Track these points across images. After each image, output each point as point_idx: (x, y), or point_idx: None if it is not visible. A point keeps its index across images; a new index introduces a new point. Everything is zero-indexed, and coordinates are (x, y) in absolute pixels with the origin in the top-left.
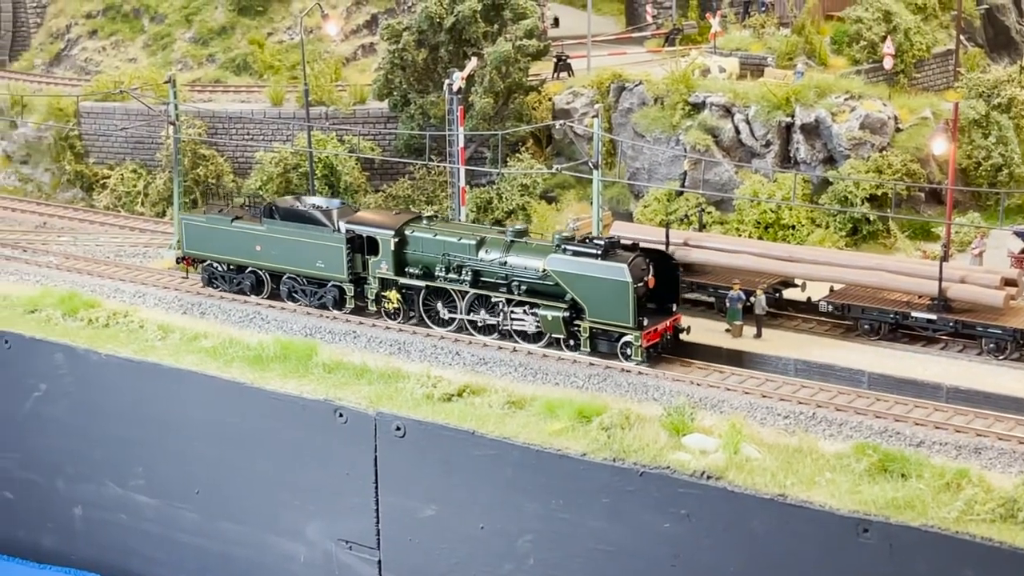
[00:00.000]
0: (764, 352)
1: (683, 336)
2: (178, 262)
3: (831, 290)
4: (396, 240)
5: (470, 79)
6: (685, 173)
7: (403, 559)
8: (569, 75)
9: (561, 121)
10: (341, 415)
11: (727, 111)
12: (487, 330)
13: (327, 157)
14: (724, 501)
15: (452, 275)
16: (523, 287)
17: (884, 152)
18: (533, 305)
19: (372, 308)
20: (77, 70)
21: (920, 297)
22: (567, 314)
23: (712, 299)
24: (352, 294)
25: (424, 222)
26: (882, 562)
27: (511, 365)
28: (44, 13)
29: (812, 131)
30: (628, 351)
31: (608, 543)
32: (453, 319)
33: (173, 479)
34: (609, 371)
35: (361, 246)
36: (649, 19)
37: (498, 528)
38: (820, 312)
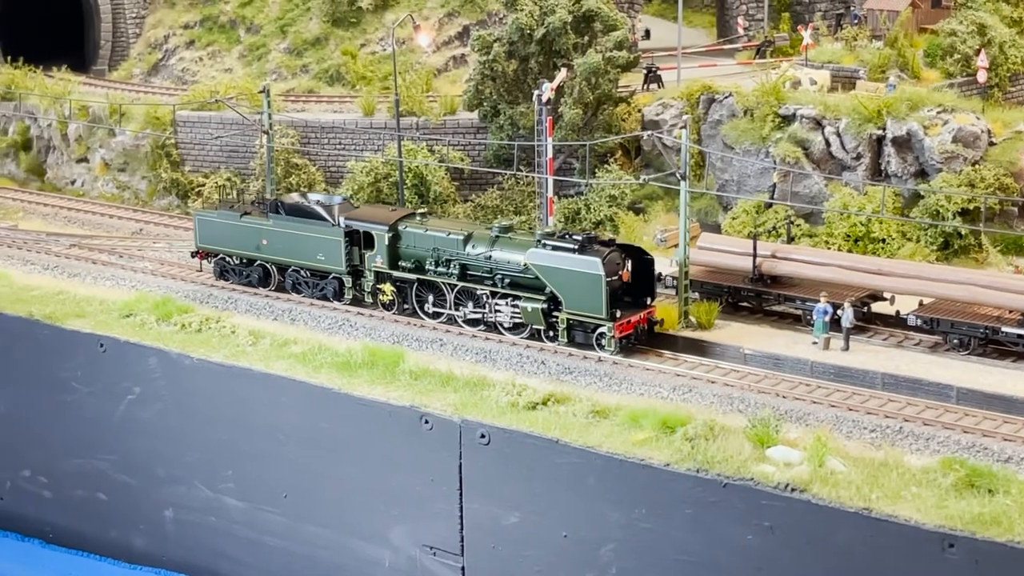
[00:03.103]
0: (851, 365)
1: (656, 328)
2: (193, 256)
3: (920, 304)
4: (390, 235)
5: (560, 90)
6: (774, 185)
7: (486, 566)
8: (659, 87)
9: (650, 132)
10: (427, 422)
11: (818, 123)
12: (472, 322)
13: (417, 167)
14: (808, 514)
15: (441, 268)
16: (506, 280)
17: (977, 166)
18: (515, 297)
19: (368, 300)
20: (174, 80)
21: (1011, 312)
22: (546, 306)
23: (799, 311)
24: (350, 285)
25: (417, 218)
26: None
27: (595, 375)
28: (143, 24)
29: (904, 144)
30: (602, 341)
31: (690, 554)
32: (441, 312)
33: (261, 482)
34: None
35: (359, 240)
36: (740, 31)
37: (581, 536)
38: (909, 326)
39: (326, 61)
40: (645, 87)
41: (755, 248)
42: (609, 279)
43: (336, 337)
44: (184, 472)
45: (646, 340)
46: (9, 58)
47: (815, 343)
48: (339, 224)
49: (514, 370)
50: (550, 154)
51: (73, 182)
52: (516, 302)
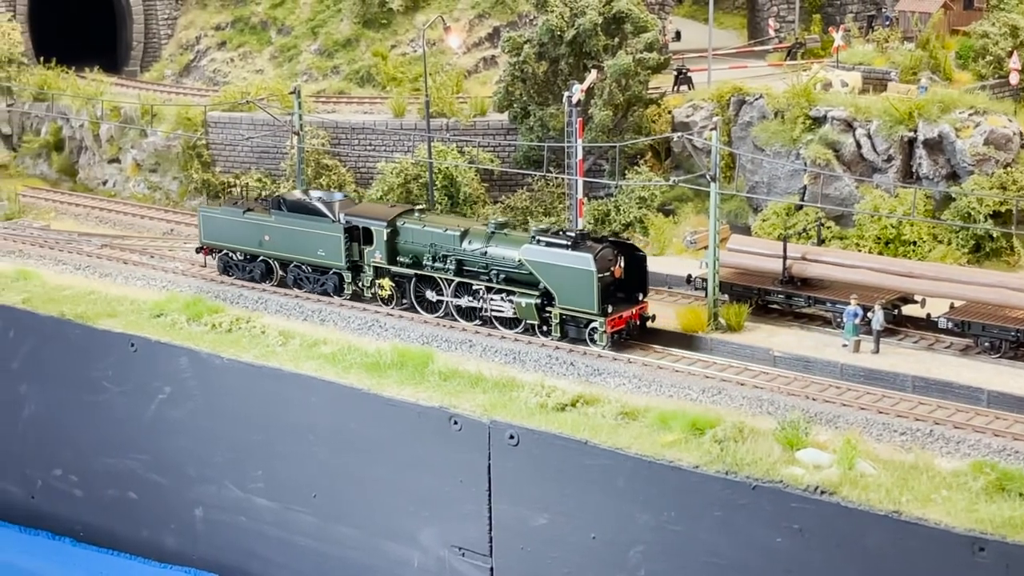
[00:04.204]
0: (881, 368)
1: (649, 324)
2: (197, 251)
3: (951, 307)
4: (388, 231)
5: (590, 92)
6: (805, 187)
7: (515, 567)
8: (689, 88)
9: (680, 134)
10: (456, 423)
11: (848, 125)
12: (468, 316)
13: (447, 168)
14: (838, 517)
15: (438, 264)
16: (501, 276)
17: (1009, 168)
18: (510, 293)
19: (368, 294)
20: (205, 81)
21: None
22: (539, 301)
23: (829, 314)
24: (350, 281)
25: (415, 214)
26: None
27: (625, 376)
28: (175, 25)
29: (935, 146)
30: (594, 336)
31: (719, 556)
32: (440, 302)
33: (291, 483)
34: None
35: (358, 236)
36: (771, 33)
37: (610, 538)
38: (939, 329)
39: (357, 62)
40: (675, 89)
41: (785, 250)
42: (601, 275)
43: (366, 337)
44: (214, 472)
45: (638, 335)
46: (42, 59)
47: (845, 345)
48: (339, 220)
49: (543, 371)
50: (580, 155)
51: (105, 182)
52: (510, 297)
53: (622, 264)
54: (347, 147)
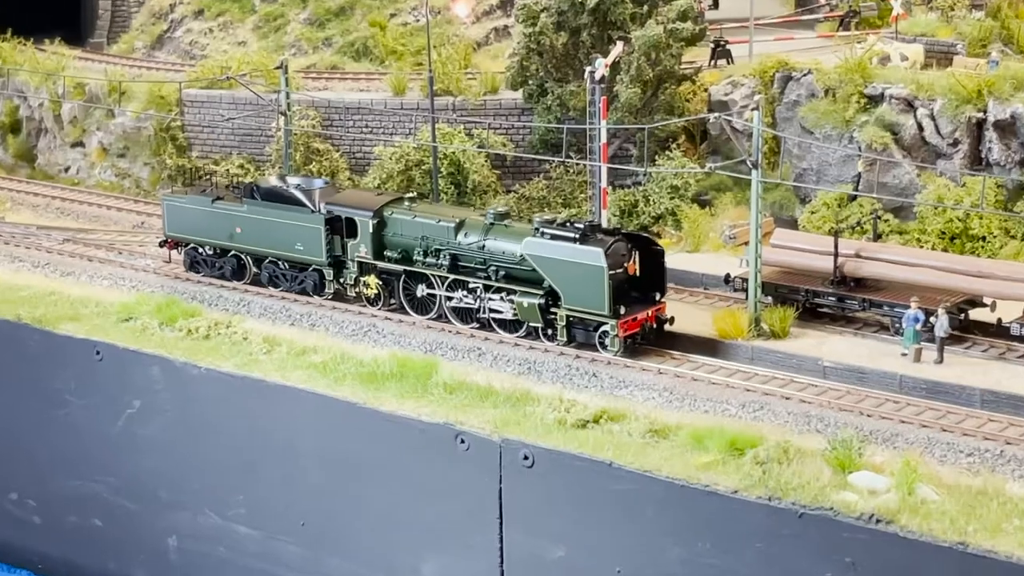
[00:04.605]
0: (945, 380)
1: (667, 327)
2: (161, 245)
3: None
4: (375, 222)
5: (615, 66)
6: (859, 175)
7: None
8: (728, 63)
9: (717, 114)
10: (463, 441)
11: (909, 105)
12: (465, 317)
13: (453, 153)
14: (895, 548)
15: (430, 259)
16: (501, 272)
17: None
18: (510, 291)
19: (351, 294)
20: (181, 54)
21: None
22: (543, 301)
23: (886, 319)
24: (331, 278)
25: (405, 203)
26: None
27: (655, 388)
28: None
29: (1007, 128)
30: (605, 341)
31: None
32: (432, 301)
33: (276, 509)
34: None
35: (341, 228)
36: (822, 0)
37: (636, 572)
38: (1012, 336)
39: (351, 33)
40: (712, 63)
41: (836, 246)
42: (613, 272)
43: (361, 345)
44: (190, 496)
45: (654, 339)
46: None
47: (904, 355)
48: (319, 210)
49: (562, 383)
50: (604, 139)
51: (67, 169)
52: (511, 297)
53: (637, 259)
54: (341, 129)
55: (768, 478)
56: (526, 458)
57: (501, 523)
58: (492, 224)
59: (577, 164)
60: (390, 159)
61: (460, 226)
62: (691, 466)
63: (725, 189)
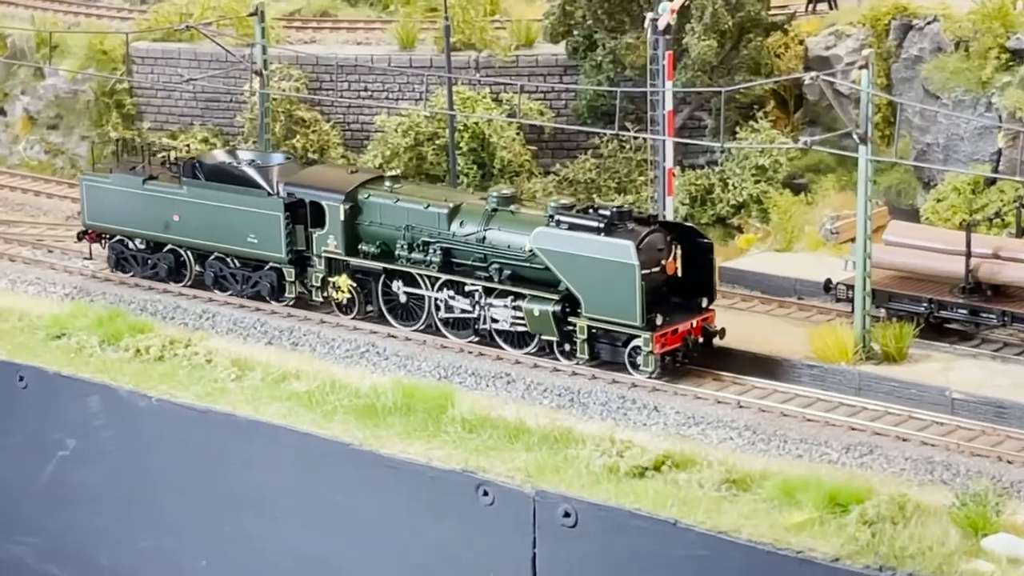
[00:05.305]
0: None
1: (716, 341)
2: (79, 238)
3: None
4: (347, 207)
5: (684, 12)
6: (1000, 152)
7: None
8: (831, 7)
9: (816, 73)
10: (486, 493)
11: None
12: (461, 328)
13: (477, 124)
14: None
15: (417, 255)
16: (505, 271)
17: None
18: (517, 296)
19: (317, 299)
20: None
21: None
22: (558, 308)
23: None
24: (292, 279)
25: (386, 184)
26: None
27: (733, 427)
28: None
29: None
30: (637, 359)
31: None
32: (420, 307)
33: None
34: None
35: (304, 215)
36: None
37: None
38: None
39: None
40: (810, 8)
41: (969, 244)
42: (647, 271)
43: (356, 369)
44: (138, 561)
45: (699, 358)
46: None
47: None
48: (277, 193)
49: (613, 418)
50: (670, 106)
51: None
52: (518, 302)
53: (679, 255)
54: (332, 94)
55: (879, 542)
56: (567, 515)
57: None
58: (495, 210)
59: (635, 138)
60: (395, 131)
61: (455, 213)
62: (779, 526)
63: (826, 170)
